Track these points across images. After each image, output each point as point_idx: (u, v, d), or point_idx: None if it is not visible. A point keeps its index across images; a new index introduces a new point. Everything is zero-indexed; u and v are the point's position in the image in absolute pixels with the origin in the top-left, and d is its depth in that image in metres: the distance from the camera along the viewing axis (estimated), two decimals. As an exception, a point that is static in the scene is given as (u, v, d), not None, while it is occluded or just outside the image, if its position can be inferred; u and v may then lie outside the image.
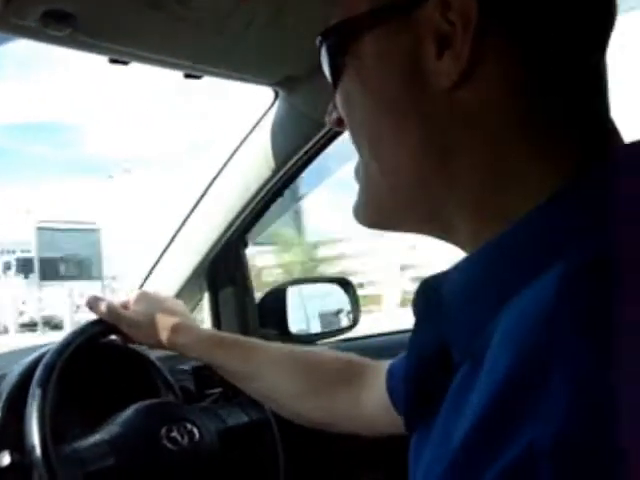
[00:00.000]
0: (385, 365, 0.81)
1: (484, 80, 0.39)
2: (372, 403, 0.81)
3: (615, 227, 0.34)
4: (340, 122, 0.49)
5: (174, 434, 0.89)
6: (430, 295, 0.45)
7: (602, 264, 0.32)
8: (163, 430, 0.88)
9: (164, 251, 1.28)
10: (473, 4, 0.38)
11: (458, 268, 0.43)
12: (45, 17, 0.70)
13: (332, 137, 1.14)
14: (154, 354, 1.04)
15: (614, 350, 0.28)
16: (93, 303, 0.94)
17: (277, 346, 0.94)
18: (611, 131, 0.42)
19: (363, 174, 0.48)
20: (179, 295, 1.26)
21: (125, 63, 0.88)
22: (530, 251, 0.37)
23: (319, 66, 1.03)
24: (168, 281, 1.27)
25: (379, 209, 0.48)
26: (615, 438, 0.27)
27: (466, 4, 0.38)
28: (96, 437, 0.86)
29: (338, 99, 0.48)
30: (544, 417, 0.28)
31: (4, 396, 0.89)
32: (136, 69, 0.90)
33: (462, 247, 0.45)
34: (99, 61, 0.84)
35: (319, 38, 0.47)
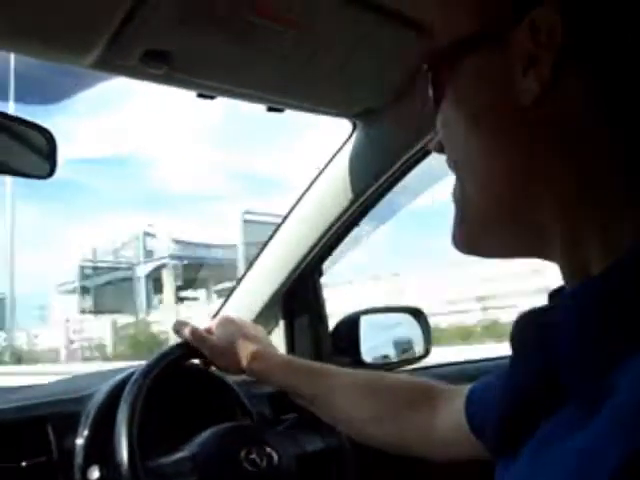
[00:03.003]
0: (458, 390, 0.80)
1: (564, 98, 0.41)
2: (445, 428, 0.81)
3: None
4: (441, 147, 0.51)
5: (253, 456, 0.91)
6: (529, 330, 0.45)
7: None
8: (243, 452, 0.90)
9: (242, 277, 1.32)
10: (559, 27, 0.40)
11: (564, 306, 0.42)
12: (145, 56, 0.75)
13: (408, 169, 1.15)
14: (232, 378, 1.07)
15: None
16: (179, 327, 0.98)
17: (349, 371, 0.95)
18: None
19: (459, 193, 0.49)
20: (255, 321, 1.28)
21: (212, 98, 0.93)
22: None
23: (397, 99, 1.05)
24: (246, 307, 1.30)
25: (473, 228, 0.49)
26: None
27: (553, 27, 0.40)
28: (179, 454, 0.89)
29: (438, 121, 0.50)
30: None
31: (93, 413, 0.93)
32: (210, 105, 0.94)
33: (561, 274, 0.45)
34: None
35: (424, 61, 0.49)
